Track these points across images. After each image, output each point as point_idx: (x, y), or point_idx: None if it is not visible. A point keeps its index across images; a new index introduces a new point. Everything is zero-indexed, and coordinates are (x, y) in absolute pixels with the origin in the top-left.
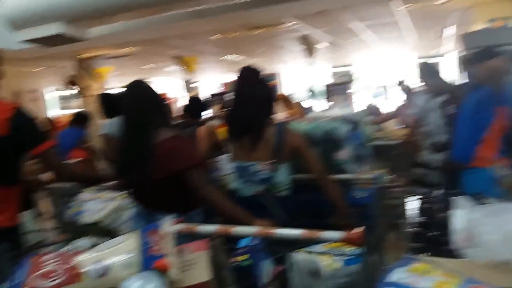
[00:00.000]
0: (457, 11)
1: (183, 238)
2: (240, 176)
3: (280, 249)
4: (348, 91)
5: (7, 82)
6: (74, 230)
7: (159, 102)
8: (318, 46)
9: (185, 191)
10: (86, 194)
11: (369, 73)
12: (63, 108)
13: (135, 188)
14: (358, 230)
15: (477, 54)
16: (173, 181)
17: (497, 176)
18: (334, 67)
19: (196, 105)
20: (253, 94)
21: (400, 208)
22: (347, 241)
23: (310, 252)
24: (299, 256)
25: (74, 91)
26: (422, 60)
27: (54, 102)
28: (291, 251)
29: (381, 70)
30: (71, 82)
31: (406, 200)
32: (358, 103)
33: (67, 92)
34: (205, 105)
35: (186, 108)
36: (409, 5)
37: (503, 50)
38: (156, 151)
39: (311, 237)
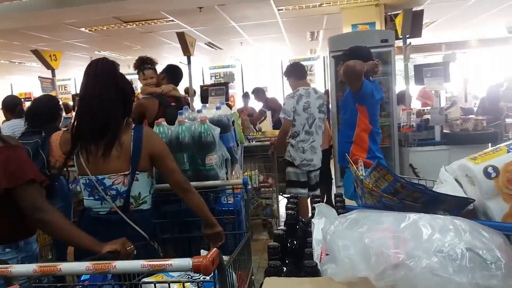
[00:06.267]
0: (327, 16)
1: None
2: (91, 192)
3: (130, 277)
4: (225, 92)
5: None
6: None
7: None
8: (197, 44)
9: (14, 213)
10: None
11: (249, 73)
12: None
13: None
14: (208, 255)
15: (340, 56)
16: None
17: (359, 178)
18: (213, 67)
19: (46, 106)
20: (105, 91)
21: (268, 211)
22: (196, 270)
23: (162, 280)
24: (151, 286)
25: None
26: (293, 61)
27: None
28: (142, 279)
29: (262, 70)
30: None
31: (276, 200)
32: (236, 104)
33: None
34: (57, 107)
35: (34, 110)
36: (281, 8)
37: (364, 52)
38: None
39: (155, 268)
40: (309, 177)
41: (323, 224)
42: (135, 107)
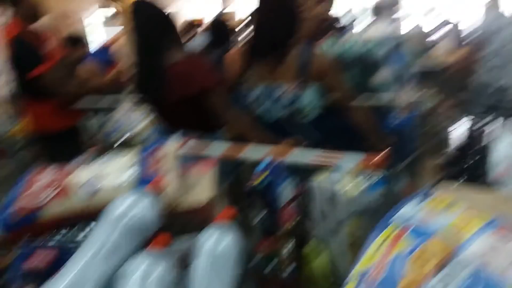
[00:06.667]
0: None
1: (190, 158)
2: (264, 100)
3: (301, 170)
4: (397, 11)
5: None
6: (105, 148)
7: (167, 23)
8: None
9: (205, 112)
10: (120, 111)
11: None
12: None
13: (154, 107)
14: (382, 153)
15: None
16: (191, 103)
17: None
18: None
19: (223, 25)
20: (275, 11)
21: (443, 133)
22: (367, 164)
23: (331, 175)
24: (319, 179)
25: (116, 9)
26: None
27: (99, 22)
28: (312, 173)
29: None
30: None
31: (451, 125)
32: (407, 24)
33: (110, 11)
34: (231, 26)
35: (213, 29)
36: None
37: None
38: (169, 74)
39: (328, 158)
40: (500, 99)
41: (509, 141)
42: None
